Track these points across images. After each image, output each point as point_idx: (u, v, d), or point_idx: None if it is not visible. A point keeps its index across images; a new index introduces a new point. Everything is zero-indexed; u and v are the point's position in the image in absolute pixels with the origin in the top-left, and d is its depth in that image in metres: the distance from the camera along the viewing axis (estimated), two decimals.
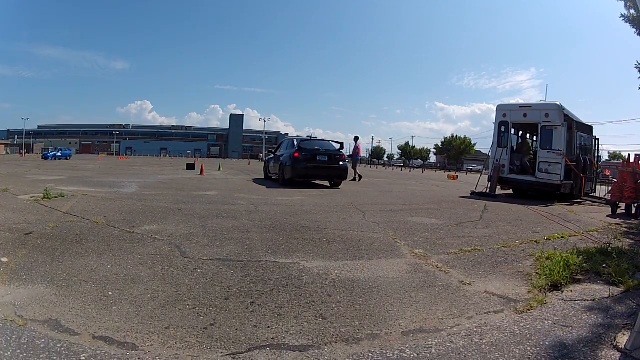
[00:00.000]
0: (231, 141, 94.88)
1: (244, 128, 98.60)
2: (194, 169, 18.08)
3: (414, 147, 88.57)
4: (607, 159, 51.02)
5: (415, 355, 1.85)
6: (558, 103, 9.74)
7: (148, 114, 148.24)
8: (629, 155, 8.71)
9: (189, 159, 42.89)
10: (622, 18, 7.64)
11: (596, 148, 12.33)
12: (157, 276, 2.76)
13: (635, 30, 7.59)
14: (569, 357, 1.86)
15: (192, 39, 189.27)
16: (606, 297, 2.64)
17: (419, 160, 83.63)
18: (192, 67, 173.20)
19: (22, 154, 49.87)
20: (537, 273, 3.12)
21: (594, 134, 12.08)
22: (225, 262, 3.13)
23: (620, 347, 1.95)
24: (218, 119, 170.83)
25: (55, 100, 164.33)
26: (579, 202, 9.49)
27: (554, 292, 2.75)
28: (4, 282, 2.51)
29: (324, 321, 2.18)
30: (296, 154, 10.09)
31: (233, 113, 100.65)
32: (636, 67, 7.70)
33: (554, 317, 2.32)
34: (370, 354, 1.84)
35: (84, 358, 1.69)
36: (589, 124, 12.12)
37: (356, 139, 15.79)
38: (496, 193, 10.00)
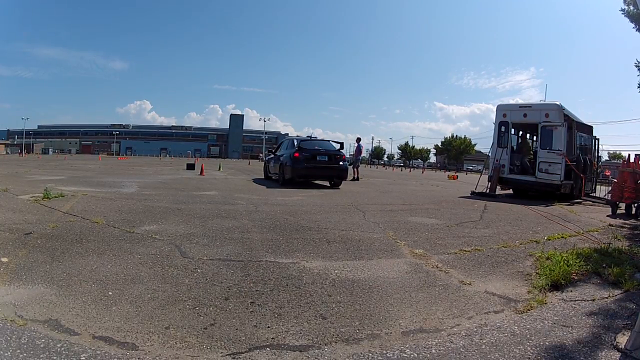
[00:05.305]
0: (231, 141, 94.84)
1: (244, 128, 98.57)
2: (194, 169, 18.07)
3: (414, 147, 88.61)
4: (607, 159, 51.02)
5: (415, 355, 1.85)
6: (558, 103, 9.75)
7: (147, 113, 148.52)
8: (629, 155, 8.71)
9: (189, 159, 42.89)
10: (621, 12, 7.66)
11: (596, 148, 12.34)
12: (157, 276, 2.76)
13: (634, 25, 7.60)
14: (569, 357, 1.86)
15: (191, 38, 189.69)
16: (606, 297, 2.65)
17: (419, 160, 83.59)
18: (191, 67, 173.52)
19: (22, 154, 49.79)
20: (537, 273, 3.12)
21: (594, 134, 12.09)
22: (225, 262, 3.13)
23: (620, 347, 1.95)
24: (217, 119, 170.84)
25: (55, 100, 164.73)
26: (579, 202, 9.49)
27: (554, 292, 2.75)
28: (4, 282, 2.51)
29: (324, 321, 2.18)
30: (296, 154, 10.08)
31: (233, 113, 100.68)
32: (636, 66, 7.71)
33: (554, 317, 2.32)
34: (370, 354, 1.84)
35: (84, 358, 1.69)
36: (589, 124, 12.15)
37: (358, 139, 15.88)
38: (496, 193, 10.00)
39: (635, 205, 7.33)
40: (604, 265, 3.19)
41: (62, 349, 1.75)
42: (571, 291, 2.77)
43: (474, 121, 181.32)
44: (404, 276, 3.01)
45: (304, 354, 1.83)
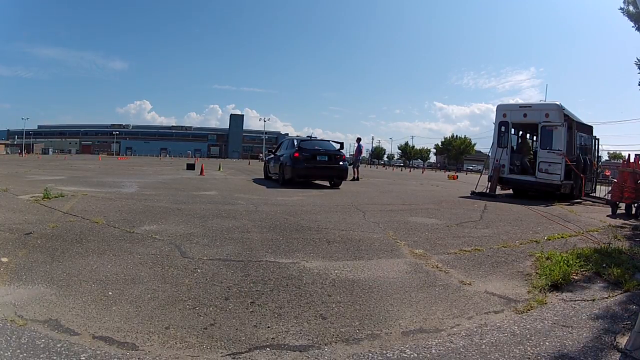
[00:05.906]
0: (231, 141, 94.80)
1: (244, 128, 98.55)
2: (194, 169, 18.06)
3: (414, 147, 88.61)
4: (607, 159, 51.00)
5: (415, 355, 1.85)
6: (558, 103, 9.75)
7: (147, 113, 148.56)
8: (629, 155, 8.72)
9: (189, 159, 42.88)
10: (620, 10, 7.68)
11: (596, 148, 12.34)
12: (157, 276, 2.76)
13: (633, 24, 7.61)
14: (569, 357, 1.86)
15: (191, 38, 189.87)
16: (606, 297, 2.65)
17: (419, 160, 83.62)
18: (191, 67, 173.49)
19: (22, 154, 49.78)
20: (537, 273, 3.12)
21: (594, 134, 12.09)
22: (225, 262, 3.13)
23: (620, 347, 1.95)
24: (217, 119, 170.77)
25: (55, 100, 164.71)
26: (579, 202, 9.49)
27: (554, 292, 2.75)
28: (4, 282, 2.51)
29: (324, 321, 2.18)
30: (296, 154, 10.08)
31: (232, 113, 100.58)
32: (636, 64, 7.71)
33: (554, 317, 2.32)
34: (370, 354, 1.84)
35: (84, 358, 1.69)
36: (589, 124, 12.14)
37: (358, 139, 15.90)
38: (496, 193, 10.00)
39: (635, 205, 7.33)
40: (604, 265, 3.19)
41: (62, 349, 1.75)
42: (571, 291, 2.77)
43: (474, 121, 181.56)
44: (404, 276, 3.01)
45: (304, 354, 1.83)
